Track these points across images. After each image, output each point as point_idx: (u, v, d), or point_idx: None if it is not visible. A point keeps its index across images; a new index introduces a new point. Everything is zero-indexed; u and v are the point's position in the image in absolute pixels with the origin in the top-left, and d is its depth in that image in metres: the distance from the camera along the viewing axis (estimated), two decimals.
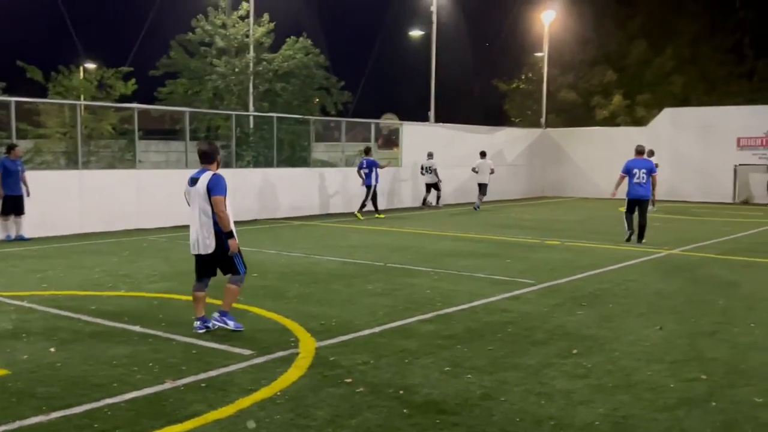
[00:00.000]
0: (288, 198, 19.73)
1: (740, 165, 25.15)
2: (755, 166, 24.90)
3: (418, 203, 23.31)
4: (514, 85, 38.76)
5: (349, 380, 5.52)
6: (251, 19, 24.98)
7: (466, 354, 6.27)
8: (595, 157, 28.01)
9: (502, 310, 8.07)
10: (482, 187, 22.36)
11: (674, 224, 17.94)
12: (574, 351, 6.37)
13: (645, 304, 8.37)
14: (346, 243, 14.02)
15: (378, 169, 19.49)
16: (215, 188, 6.72)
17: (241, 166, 20.88)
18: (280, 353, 6.24)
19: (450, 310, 8.00)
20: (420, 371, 5.77)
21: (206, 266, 7.04)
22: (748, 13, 38.19)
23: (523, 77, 38.53)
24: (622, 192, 13.99)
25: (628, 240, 13.82)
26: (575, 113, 35.45)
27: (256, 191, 18.93)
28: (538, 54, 34.83)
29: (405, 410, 4.90)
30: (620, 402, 5.09)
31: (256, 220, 18.34)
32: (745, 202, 25.05)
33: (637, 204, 13.87)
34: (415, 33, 32.45)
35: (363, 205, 19.35)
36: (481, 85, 37.37)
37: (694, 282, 9.88)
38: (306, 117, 23.53)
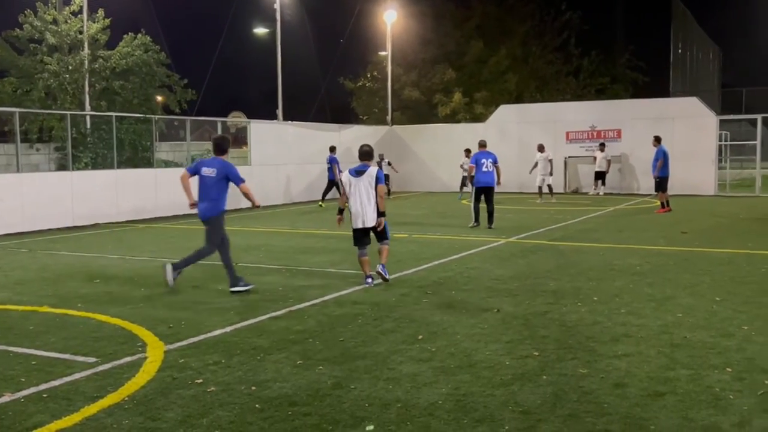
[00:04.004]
0: (131, 200, 19.02)
1: (569, 157, 27.01)
2: (583, 158, 26.83)
3: (269, 202, 23.18)
4: (361, 84, 39.40)
5: (199, 381, 5.50)
6: (84, 15, 23.75)
7: (318, 347, 6.42)
8: (438, 153, 29.10)
9: (352, 302, 8.28)
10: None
11: (512, 214, 19.01)
12: (420, 337, 6.69)
13: (485, 290, 8.88)
14: (194, 245, 13.65)
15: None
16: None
17: (78, 169, 19.88)
18: (127, 359, 6.10)
19: (302, 306, 8.11)
20: (272, 367, 5.85)
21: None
22: (573, 14, 41.07)
23: (368, 76, 39.24)
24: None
25: (475, 226, 15.03)
26: (419, 111, 36.59)
27: (96, 194, 18.09)
28: (382, 53, 35.62)
29: (257, 405, 4.97)
30: (461, 381, 5.43)
31: (96, 224, 17.55)
32: (575, 192, 26.95)
33: (485, 191, 15.45)
34: (260, 30, 32.21)
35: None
36: (329, 83, 37.70)
37: (529, 267, 10.59)
38: (148, 116, 22.75)
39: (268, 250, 12.84)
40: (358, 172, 9.05)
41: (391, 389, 5.27)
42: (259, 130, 24.04)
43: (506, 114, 28.64)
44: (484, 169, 15.39)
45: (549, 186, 23.19)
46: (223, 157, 9.08)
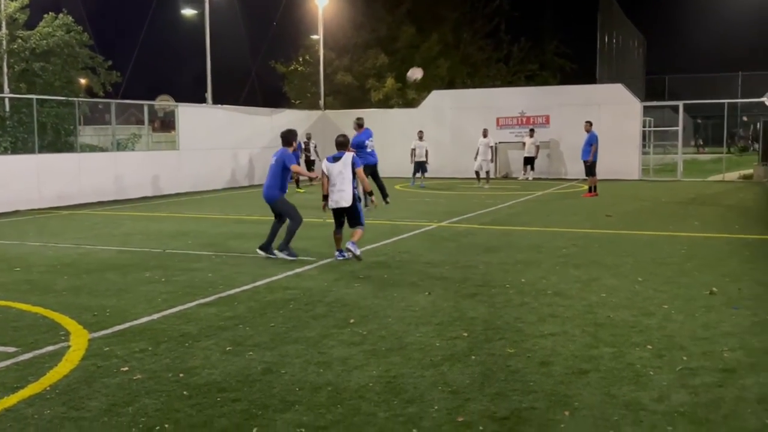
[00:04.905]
0: (54, 186, 18.38)
1: (500, 143, 27.41)
2: (513, 144, 27.26)
3: (199, 188, 22.77)
4: (292, 68, 38.99)
5: (125, 369, 5.38)
6: None
7: (248, 333, 6.35)
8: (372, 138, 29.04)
9: (284, 287, 8.23)
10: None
11: (443, 199, 19.20)
12: (351, 320, 6.70)
13: (416, 273, 8.95)
14: (120, 231, 13.41)
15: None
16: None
17: None
18: (50, 348, 5.91)
19: (232, 292, 8.01)
20: (201, 353, 5.76)
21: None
22: (503, 1, 41.58)
23: (300, 60, 38.87)
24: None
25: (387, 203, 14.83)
26: (352, 95, 36.47)
27: (16, 180, 17.43)
28: (314, 37, 35.32)
29: (185, 392, 4.89)
30: (392, 363, 5.46)
31: (17, 211, 16.92)
32: (506, 177, 27.40)
33: (373, 169, 15.31)
34: (188, 12, 31.44)
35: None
36: (260, 66, 37.14)
37: (460, 251, 10.72)
38: (70, 99, 21.97)
39: (198, 236, 12.62)
40: (335, 159, 9.80)
41: (322, 373, 5.27)
42: (187, 114, 23.53)
43: (440, 99, 28.83)
44: (369, 150, 15.27)
45: (487, 172, 23.47)
46: (288, 148, 10.23)
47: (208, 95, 25.77)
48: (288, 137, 10.34)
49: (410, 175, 24.13)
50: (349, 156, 9.86)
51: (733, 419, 4.36)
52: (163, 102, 30.06)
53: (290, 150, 10.24)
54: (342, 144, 10.09)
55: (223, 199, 20.32)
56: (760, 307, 7.00)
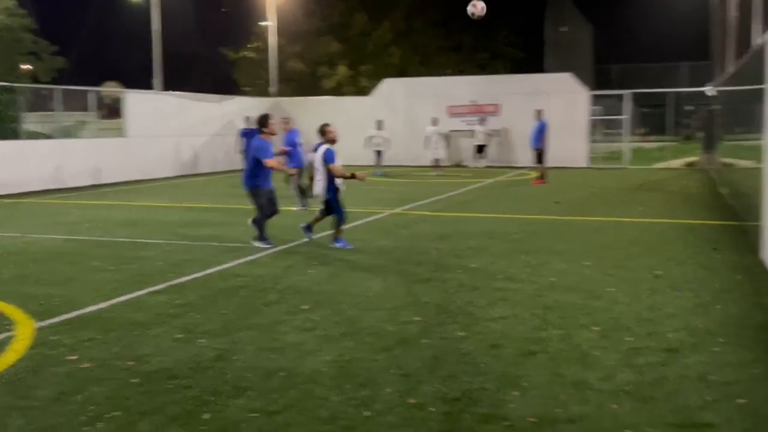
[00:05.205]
0: None
1: (452, 131, 27.58)
2: (464, 132, 27.45)
3: (147, 176, 22.39)
4: (243, 54, 38.56)
5: (73, 357, 5.29)
6: None
7: (199, 320, 6.30)
8: None
9: (236, 275, 8.17)
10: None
11: (397, 187, 19.27)
12: (305, 307, 6.70)
13: (369, 260, 8.99)
14: (68, 220, 13.12)
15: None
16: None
17: None
18: None
19: (183, 280, 7.93)
20: (151, 341, 5.70)
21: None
22: None
23: (251, 46, 38.46)
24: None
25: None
26: (304, 83, 36.29)
27: None
28: (265, 23, 34.96)
29: (135, 380, 4.83)
30: (345, 348, 5.49)
31: None
32: (458, 165, 27.59)
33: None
34: None
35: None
36: (209, 52, 36.65)
37: (413, 238, 10.79)
38: (13, 85, 21.37)
39: (147, 224, 12.43)
40: (315, 149, 9.78)
41: (275, 359, 5.26)
42: (135, 100, 23.07)
43: (393, 87, 28.82)
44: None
45: (437, 160, 23.62)
46: (265, 134, 9.94)
47: (156, 81, 25.32)
48: (261, 121, 10.06)
49: (363, 163, 24.11)
50: (321, 149, 9.68)
51: (676, 397, 4.51)
52: (109, 88, 29.42)
53: (266, 134, 9.91)
54: (321, 133, 9.92)
55: (172, 187, 20.02)
56: (702, 290, 7.23)
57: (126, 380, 4.83)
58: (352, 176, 9.85)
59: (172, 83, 26.84)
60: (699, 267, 8.36)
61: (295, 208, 13.62)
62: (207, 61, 35.53)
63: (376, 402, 4.46)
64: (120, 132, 22.63)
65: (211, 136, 25.12)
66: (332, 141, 9.80)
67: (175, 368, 5.06)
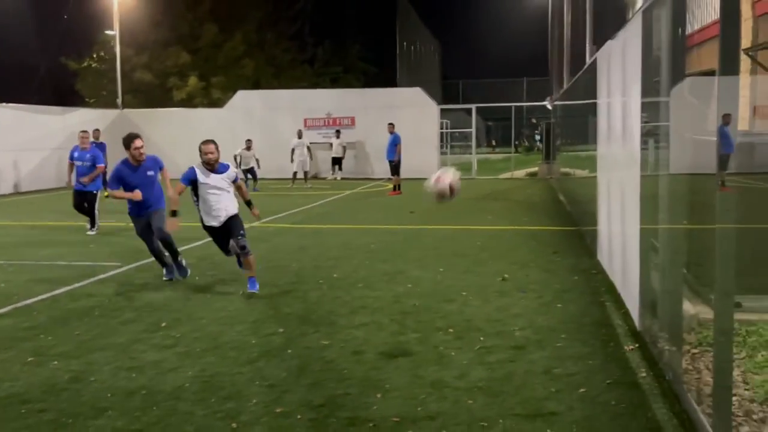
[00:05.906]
0: None
1: (310, 143, 27.69)
2: (320, 144, 27.66)
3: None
4: (86, 64, 36.81)
5: None
6: None
7: (51, 342, 6.04)
8: (176, 139, 28.16)
9: (87, 295, 7.87)
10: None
11: (255, 200, 19.04)
12: (163, 324, 6.58)
13: (229, 274, 8.90)
14: None
15: None
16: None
17: None
18: None
19: (29, 302, 7.54)
20: None
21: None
22: (307, 3, 42.05)
23: (94, 56, 36.78)
24: None
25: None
26: (152, 94, 35.16)
27: None
28: (110, 32, 33.58)
29: None
30: (207, 363, 5.47)
31: None
32: (315, 177, 27.73)
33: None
34: None
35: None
36: (50, 63, 34.66)
37: (272, 250, 10.81)
38: None
39: None
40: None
41: (134, 377, 5.16)
42: None
43: (248, 99, 28.56)
44: None
45: (306, 172, 24.00)
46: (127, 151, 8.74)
47: None
48: (124, 142, 8.78)
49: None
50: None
51: (524, 390, 4.86)
52: None
53: (128, 155, 8.67)
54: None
55: (11, 205, 18.80)
56: (544, 291, 7.78)
57: None
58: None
59: (8, 94, 25.18)
60: (541, 270, 8.98)
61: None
62: (48, 71, 33.57)
63: (243, 413, 4.49)
64: None
65: (52, 149, 23.81)
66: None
67: (28, 392, 4.85)
